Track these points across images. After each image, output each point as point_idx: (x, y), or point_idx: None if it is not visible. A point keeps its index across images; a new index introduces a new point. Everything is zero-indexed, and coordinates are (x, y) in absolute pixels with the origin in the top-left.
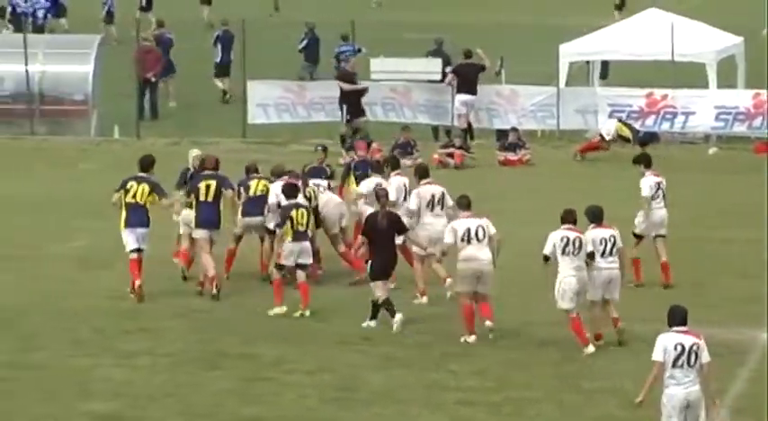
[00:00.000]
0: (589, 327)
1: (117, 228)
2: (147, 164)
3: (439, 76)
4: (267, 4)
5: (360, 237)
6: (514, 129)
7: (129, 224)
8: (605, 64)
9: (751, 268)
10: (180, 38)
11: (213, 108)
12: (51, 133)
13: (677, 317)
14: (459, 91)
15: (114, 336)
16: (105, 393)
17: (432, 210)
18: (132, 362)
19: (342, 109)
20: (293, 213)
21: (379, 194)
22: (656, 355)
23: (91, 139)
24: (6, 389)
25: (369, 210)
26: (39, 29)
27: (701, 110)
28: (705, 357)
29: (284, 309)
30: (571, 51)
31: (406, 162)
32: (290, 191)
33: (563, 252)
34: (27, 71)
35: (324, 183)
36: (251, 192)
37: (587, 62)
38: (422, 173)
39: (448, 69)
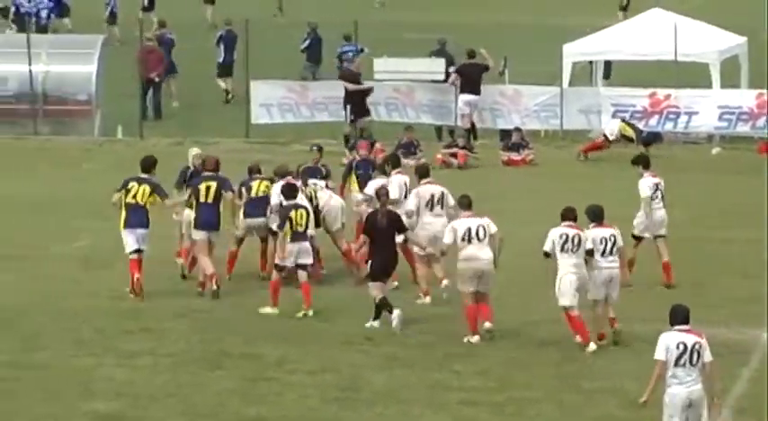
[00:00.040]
0: (591, 327)
1: (119, 228)
2: (148, 165)
3: (442, 76)
4: (270, 4)
5: (361, 236)
6: (518, 129)
7: (128, 225)
8: (608, 64)
9: (752, 268)
10: (183, 38)
11: (216, 108)
12: (54, 133)
13: (679, 316)
14: (463, 91)
15: (116, 336)
16: (107, 393)
17: (431, 209)
18: (134, 362)
19: (346, 109)
20: (292, 214)
21: (380, 193)
22: (659, 354)
23: (94, 139)
24: (8, 389)
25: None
26: (42, 29)
27: (704, 110)
28: (707, 356)
29: (276, 310)
30: (574, 51)
31: (409, 162)
32: (289, 191)
33: (562, 249)
34: (30, 71)
35: (321, 183)
36: (253, 193)
37: (590, 62)
38: (422, 172)
39: (451, 69)
